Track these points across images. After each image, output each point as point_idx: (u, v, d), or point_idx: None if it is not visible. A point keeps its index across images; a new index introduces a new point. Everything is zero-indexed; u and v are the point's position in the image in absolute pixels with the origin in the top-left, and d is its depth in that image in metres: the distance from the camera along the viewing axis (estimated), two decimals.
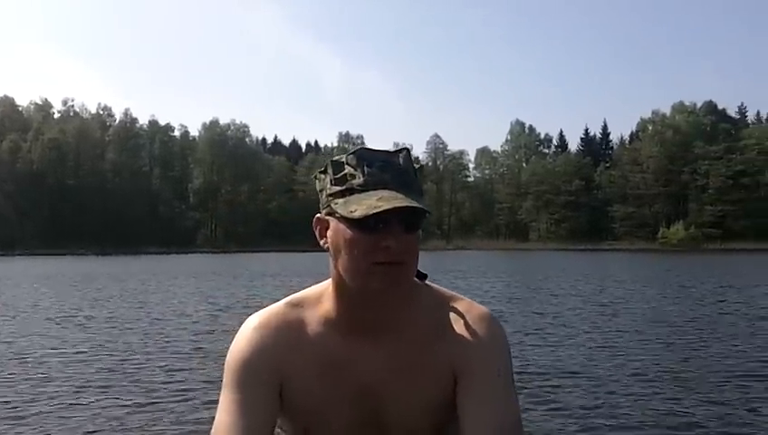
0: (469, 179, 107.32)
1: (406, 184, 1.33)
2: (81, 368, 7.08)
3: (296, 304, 1.49)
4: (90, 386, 6.17)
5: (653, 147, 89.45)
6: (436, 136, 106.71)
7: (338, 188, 1.34)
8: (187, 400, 5.63)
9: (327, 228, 1.39)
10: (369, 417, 1.45)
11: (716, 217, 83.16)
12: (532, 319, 11.10)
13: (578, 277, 23.87)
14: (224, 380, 1.43)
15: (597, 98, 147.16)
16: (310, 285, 1.54)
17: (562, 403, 5.51)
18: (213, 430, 1.38)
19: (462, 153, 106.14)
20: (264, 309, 1.51)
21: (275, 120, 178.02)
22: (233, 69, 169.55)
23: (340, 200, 1.33)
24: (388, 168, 1.33)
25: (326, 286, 1.47)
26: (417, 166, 1.40)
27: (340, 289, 1.40)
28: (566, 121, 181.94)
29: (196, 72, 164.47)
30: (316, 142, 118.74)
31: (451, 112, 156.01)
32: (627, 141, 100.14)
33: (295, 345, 1.44)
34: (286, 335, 1.44)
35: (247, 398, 1.38)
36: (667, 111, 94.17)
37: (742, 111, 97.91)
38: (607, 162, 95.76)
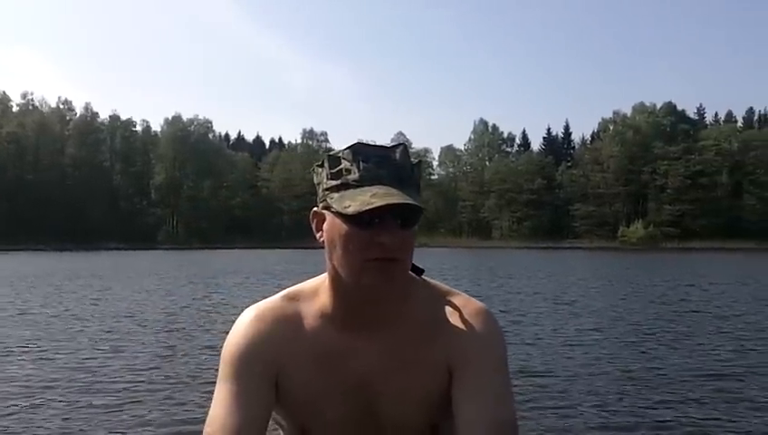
0: (433, 177, 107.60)
1: (401, 180, 1.33)
2: (39, 367, 7.00)
3: (292, 298, 1.49)
4: (54, 386, 6.10)
5: (614, 147, 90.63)
6: (401, 133, 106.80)
7: (334, 183, 1.35)
8: (153, 398, 5.60)
9: (323, 222, 1.39)
10: (365, 411, 1.45)
11: (675, 216, 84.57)
12: (497, 317, 11.19)
13: (541, 276, 24.12)
14: (219, 372, 1.43)
15: (559, 98, 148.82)
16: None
17: (527, 401, 5.59)
18: (207, 421, 1.38)
19: (426, 151, 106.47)
20: (261, 302, 1.51)
21: (239, 116, 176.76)
22: (196, 64, 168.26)
23: (336, 195, 1.33)
24: (384, 163, 1.34)
25: (322, 280, 1.47)
26: (415, 161, 1.40)
27: (336, 283, 1.40)
28: (529, 121, 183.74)
29: (158, 67, 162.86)
30: (280, 139, 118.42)
31: (416, 110, 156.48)
32: (588, 141, 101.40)
33: (291, 338, 1.44)
34: (282, 328, 1.44)
35: (242, 390, 1.38)
36: (627, 111, 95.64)
37: (700, 113, 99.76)
38: (568, 162, 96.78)
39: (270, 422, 1.44)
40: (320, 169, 1.41)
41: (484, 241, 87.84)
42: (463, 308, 1.47)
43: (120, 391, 5.85)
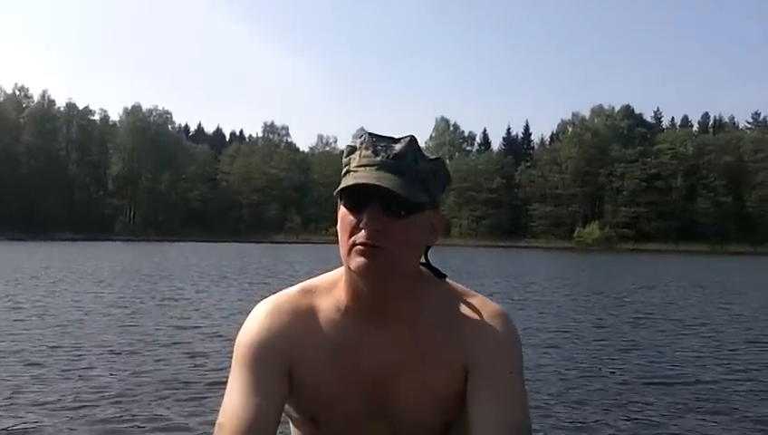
0: None
1: (396, 168, 1.34)
2: None
3: (309, 291, 1.49)
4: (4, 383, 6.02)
5: (572, 148, 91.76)
6: (362, 129, 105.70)
7: (344, 170, 1.39)
8: (106, 397, 5.55)
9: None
10: (378, 406, 1.44)
11: (630, 218, 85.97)
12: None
13: (502, 275, 24.32)
14: (233, 363, 1.43)
15: (520, 98, 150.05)
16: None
17: None
18: (221, 411, 1.38)
19: None
20: (276, 294, 1.50)
21: (200, 108, 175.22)
22: (157, 54, 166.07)
23: (342, 180, 1.37)
24: (383, 151, 1.36)
25: (341, 273, 1.46)
26: (431, 157, 1.42)
27: (348, 274, 1.41)
28: (490, 120, 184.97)
29: (119, 56, 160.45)
30: (241, 132, 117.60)
31: (379, 106, 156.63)
32: (547, 142, 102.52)
33: (306, 331, 1.44)
34: (297, 320, 1.44)
35: (256, 381, 1.38)
36: (586, 113, 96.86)
37: (657, 117, 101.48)
38: (528, 162, 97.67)
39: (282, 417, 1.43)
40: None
41: (444, 239, 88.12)
42: (481, 310, 1.47)
43: (73, 389, 5.78)
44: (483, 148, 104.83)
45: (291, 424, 1.56)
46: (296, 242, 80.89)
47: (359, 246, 1.31)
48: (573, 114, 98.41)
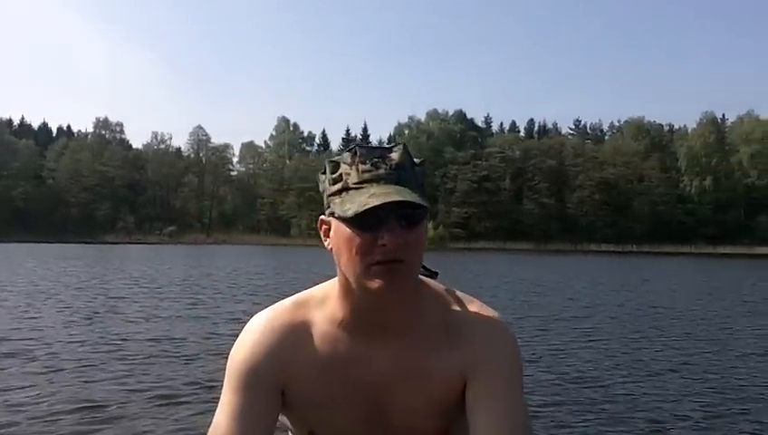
0: (232, 173, 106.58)
1: (401, 179, 1.32)
2: None
3: (301, 304, 1.49)
4: None
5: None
6: (200, 127, 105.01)
7: (335, 188, 1.36)
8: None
9: (330, 229, 1.40)
10: (375, 418, 1.45)
11: (462, 218, 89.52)
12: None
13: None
14: (225, 380, 1.42)
15: (359, 100, 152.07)
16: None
17: None
18: (211, 429, 1.37)
19: (226, 146, 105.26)
20: (268, 309, 1.50)
21: (24, 101, 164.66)
22: None
23: (338, 199, 1.34)
24: (382, 163, 1.34)
25: (332, 285, 1.46)
26: (417, 161, 1.44)
27: (345, 289, 1.38)
28: (329, 121, 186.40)
29: None
30: (69, 126, 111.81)
31: (219, 104, 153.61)
32: (385, 144, 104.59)
33: (299, 346, 1.42)
34: (290, 336, 1.43)
35: (248, 401, 1.37)
36: (422, 117, 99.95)
37: (487, 121, 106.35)
38: None
39: (279, 426, 1.46)
40: (323, 177, 1.44)
41: (283, 238, 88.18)
42: (479, 317, 1.46)
43: None
44: (322, 148, 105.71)
45: None
46: (129, 242, 78.07)
47: (380, 266, 1.27)
48: (410, 117, 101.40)
